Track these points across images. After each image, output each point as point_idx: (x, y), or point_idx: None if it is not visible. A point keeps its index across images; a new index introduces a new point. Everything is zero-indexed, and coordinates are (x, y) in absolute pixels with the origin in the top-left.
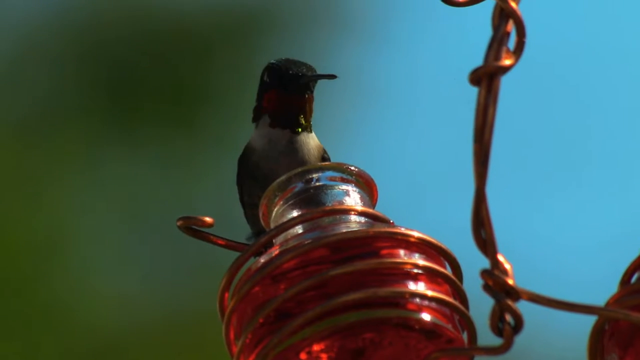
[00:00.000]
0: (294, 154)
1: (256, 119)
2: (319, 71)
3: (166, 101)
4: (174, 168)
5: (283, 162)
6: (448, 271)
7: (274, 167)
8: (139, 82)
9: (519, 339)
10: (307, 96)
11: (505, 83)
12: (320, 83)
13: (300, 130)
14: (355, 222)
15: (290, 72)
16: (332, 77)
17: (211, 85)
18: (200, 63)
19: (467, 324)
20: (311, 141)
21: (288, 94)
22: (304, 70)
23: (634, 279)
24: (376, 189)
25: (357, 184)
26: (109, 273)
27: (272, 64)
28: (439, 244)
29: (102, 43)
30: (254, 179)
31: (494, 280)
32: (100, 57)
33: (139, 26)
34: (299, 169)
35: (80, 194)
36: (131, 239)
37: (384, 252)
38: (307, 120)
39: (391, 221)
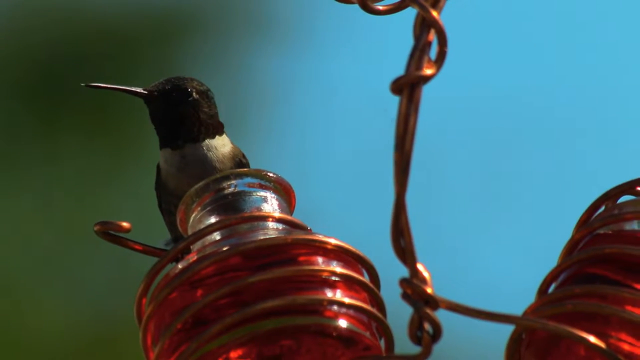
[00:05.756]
0: (192, 169)
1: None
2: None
3: (88, 106)
4: (99, 176)
5: (183, 178)
6: (366, 279)
7: (177, 184)
8: (60, 86)
9: (437, 348)
10: (179, 111)
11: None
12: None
13: (186, 145)
14: (273, 229)
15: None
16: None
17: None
18: (123, 66)
19: (384, 331)
20: (216, 150)
21: (154, 114)
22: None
23: (551, 289)
24: (294, 196)
25: (275, 191)
26: (36, 289)
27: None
28: (357, 251)
29: (21, 48)
30: (167, 192)
31: (413, 289)
32: (21, 62)
33: (60, 30)
34: (217, 175)
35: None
36: (57, 251)
37: (302, 259)
38: (195, 132)
39: (309, 228)
